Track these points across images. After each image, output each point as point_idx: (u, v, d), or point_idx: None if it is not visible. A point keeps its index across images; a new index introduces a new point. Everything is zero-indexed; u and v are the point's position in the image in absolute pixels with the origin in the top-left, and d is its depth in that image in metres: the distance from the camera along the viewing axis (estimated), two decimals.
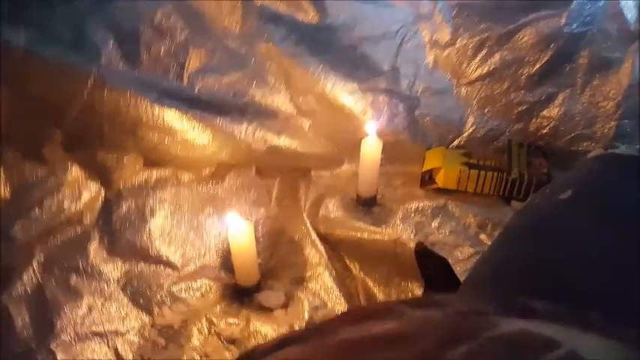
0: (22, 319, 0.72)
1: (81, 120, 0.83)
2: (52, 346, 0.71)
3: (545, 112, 0.93)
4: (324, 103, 0.93)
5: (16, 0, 0.79)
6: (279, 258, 0.83)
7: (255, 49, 0.91)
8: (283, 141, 0.93)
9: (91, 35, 0.83)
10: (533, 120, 0.94)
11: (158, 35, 0.87)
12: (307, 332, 0.29)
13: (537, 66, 0.91)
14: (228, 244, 0.78)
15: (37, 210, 0.81)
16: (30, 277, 0.76)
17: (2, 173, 0.81)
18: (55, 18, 0.82)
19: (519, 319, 0.23)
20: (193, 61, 0.89)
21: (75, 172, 0.85)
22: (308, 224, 0.85)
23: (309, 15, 0.92)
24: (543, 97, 0.93)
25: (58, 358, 0.70)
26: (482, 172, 0.88)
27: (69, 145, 0.85)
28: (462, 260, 0.76)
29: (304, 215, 0.87)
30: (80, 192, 0.84)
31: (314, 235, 0.83)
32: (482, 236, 0.81)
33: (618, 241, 0.42)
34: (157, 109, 0.84)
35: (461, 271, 0.73)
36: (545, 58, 0.90)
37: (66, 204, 0.83)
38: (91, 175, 0.86)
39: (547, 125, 0.94)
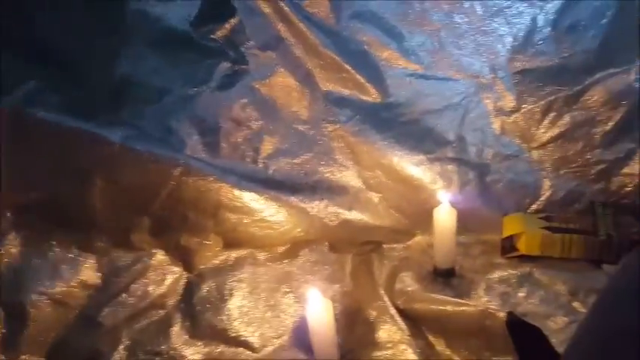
0: None
1: (167, 207, 0.90)
2: None
3: (626, 170, 0.89)
4: (392, 176, 0.94)
5: (113, 102, 0.90)
6: (358, 336, 0.81)
7: (322, 130, 0.97)
8: (354, 215, 0.94)
9: (177, 130, 0.93)
10: (614, 178, 0.90)
11: (235, 126, 0.95)
12: None
13: (611, 123, 0.89)
14: (304, 323, 0.76)
15: (124, 295, 0.85)
16: None
17: (95, 262, 0.86)
18: (146, 116, 0.92)
19: None
20: (267, 146, 0.96)
21: (160, 257, 0.90)
22: (385, 299, 0.83)
23: (371, 95, 0.98)
24: (622, 155, 0.89)
25: None
26: (567, 236, 0.84)
27: (155, 231, 0.91)
28: (557, 331, 0.72)
29: (380, 290, 0.85)
30: (164, 276, 0.88)
31: (393, 311, 0.81)
32: (576, 304, 0.77)
33: None
34: (236, 191, 0.89)
35: (558, 342, 0.69)
36: (619, 115, 0.89)
37: (151, 288, 0.87)
38: (174, 259, 0.90)
39: (630, 182, 0.89)
